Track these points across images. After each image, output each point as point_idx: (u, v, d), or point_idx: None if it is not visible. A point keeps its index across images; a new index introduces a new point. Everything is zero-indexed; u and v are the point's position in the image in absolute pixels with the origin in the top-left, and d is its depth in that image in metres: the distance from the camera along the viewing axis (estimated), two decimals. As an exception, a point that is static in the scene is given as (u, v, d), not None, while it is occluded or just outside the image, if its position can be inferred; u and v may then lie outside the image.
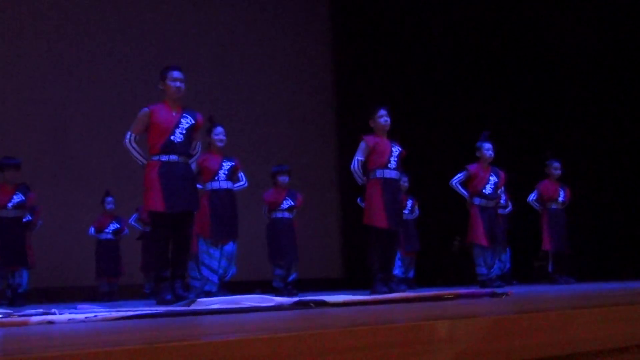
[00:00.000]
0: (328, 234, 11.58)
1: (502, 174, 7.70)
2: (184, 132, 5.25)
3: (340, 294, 5.39)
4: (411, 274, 9.41)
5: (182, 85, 5.31)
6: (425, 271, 9.93)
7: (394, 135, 6.67)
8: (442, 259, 10.79)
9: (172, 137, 5.20)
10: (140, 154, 5.26)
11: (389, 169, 6.38)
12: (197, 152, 5.50)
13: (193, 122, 5.33)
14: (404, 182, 8.93)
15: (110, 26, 10.59)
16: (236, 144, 9.77)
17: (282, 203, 7.93)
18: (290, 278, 7.94)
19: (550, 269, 8.54)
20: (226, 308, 3.38)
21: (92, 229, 9.10)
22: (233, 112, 10.86)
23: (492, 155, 7.58)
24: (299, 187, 8.40)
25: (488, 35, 11.20)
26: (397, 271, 8.64)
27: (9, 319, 2.93)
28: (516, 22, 10.91)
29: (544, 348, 1.97)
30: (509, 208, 9.27)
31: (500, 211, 9.25)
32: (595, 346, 2.09)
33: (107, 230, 9.06)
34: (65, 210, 9.68)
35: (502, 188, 8.06)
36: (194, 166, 5.61)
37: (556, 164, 8.58)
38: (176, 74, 5.31)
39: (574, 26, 10.29)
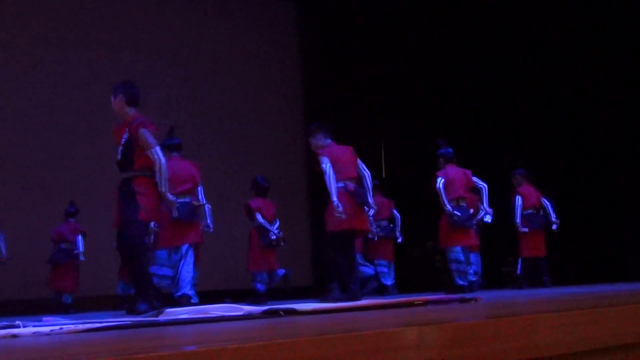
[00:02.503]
0: (298, 242, 11.55)
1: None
2: (121, 149, 5.29)
3: (310, 302, 5.38)
4: (391, 280, 9.44)
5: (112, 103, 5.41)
6: (406, 277, 9.98)
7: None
8: (422, 265, 10.86)
9: (118, 156, 5.30)
10: None
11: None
12: (156, 161, 5.20)
13: (127, 135, 5.28)
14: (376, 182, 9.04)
15: (76, 32, 10.45)
16: (205, 153, 9.75)
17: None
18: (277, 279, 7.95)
19: (519, 272, 8.66)
20: (194, 318, 3.35)
21: (49, 245, 8.91)
22: (201, 121, 10.82)
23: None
24: (269, 194, 8.40)
25: (458, 46, 11.29)
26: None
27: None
28: (483, 35, 11.01)
29: (513, 353, 1.98)
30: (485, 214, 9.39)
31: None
32: (563, 350, 2.11)
33: (68, 240, 8.90)
34: (27, 220, 9.50)
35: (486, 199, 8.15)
36: (159, 176, 5.27)
37: (524, 172, 8.80)
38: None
39: (544, 36, 10.42)
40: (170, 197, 5.28)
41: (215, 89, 11.33)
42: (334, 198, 6.18)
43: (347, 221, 6.27)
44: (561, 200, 9.48)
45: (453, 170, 7.76)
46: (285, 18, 12.40)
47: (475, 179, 7.90)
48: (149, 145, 5.19)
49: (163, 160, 5.23)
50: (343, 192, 6.29)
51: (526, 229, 8.54)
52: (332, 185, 6.25)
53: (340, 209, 6.14)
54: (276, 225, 8.00)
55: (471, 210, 7.86)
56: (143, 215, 5.23)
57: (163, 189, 5.21)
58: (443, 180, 7.60)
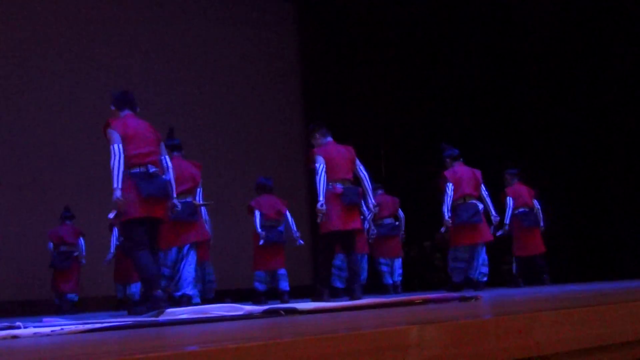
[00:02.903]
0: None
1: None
2: None
3: (310, 302, 5.39)
4: (398, 278, 9.45)
5: None
6: (406, 277, 10.00)
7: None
8: (421, 264, 10.87)
9: None
10: None
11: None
12: (110, 158, 5.25)
13: None
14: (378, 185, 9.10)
15: (76, 32, 10.45)
16: (205, 153, 9.75)
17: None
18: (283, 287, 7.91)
19: (514, 271, 8.68)
20: (195, 318, 3.35)
21: (50, 244, 8.90)
22: (201, 121, 10.83)
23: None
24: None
25: (458, 46, 11.28)
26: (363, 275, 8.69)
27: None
28: (483, 34, 11.00)
29: (513, 351, 1.98)
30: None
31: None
32: (563, 347, 2.11)
33: (67, 242, 8.91)
34: (27, 221, 9.50)
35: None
36: (112, 172, 5.24)
37: (515, 171, 8.82)
38: None
39: (544, 36, 10.42)
40: (118, 193, 5.16)
41: (215, 89, 11.34)
42: (320, 197, 6.20)
43: (336, 222, 6.28)
44: (560, 199, 9.48)
45: (460, 169, 7.77)
46: (285, 18, 12.40)
47: (482, 185, 7.87)
48: (108, 143, 5.28)
49: (115, 156, 5.20)
50: (331, 194, 6.29)
51: (500, 233, 8.46)
52: (322, 185, 6.26)
53: (324, 208, 6.16)
54: (290, 222, 7.97)
55: (480, 206, 7.82)
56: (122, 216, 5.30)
57: (114, 185, 5.16)
58: (452, 185, 7.59)
